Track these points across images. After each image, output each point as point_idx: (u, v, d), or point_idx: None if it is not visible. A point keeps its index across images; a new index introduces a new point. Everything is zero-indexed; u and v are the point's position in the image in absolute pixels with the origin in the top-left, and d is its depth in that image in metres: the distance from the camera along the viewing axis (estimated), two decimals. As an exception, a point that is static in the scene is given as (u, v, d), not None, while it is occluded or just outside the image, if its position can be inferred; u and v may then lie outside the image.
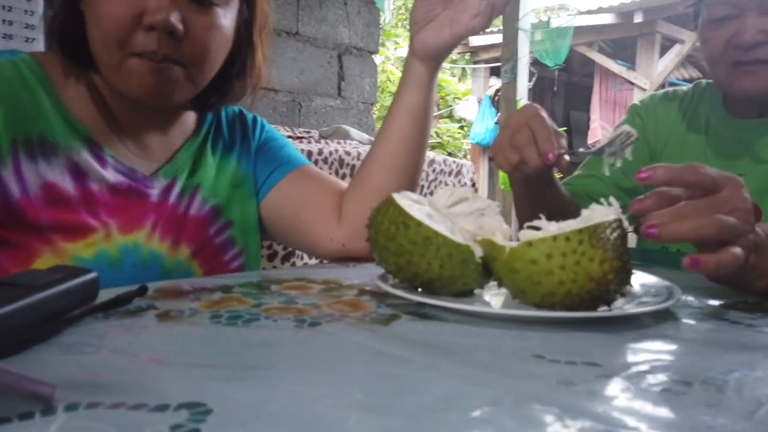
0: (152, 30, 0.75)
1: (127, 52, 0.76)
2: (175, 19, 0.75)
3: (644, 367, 0.45)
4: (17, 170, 0.77)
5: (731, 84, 1.06)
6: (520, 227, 0.72)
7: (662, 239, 0.59)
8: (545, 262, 0.55)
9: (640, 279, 0.69)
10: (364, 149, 1.81)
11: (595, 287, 0.55)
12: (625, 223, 0.57)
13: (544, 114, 0.93)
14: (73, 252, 0.79)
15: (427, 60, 0.92)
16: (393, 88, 12.41)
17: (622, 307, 0.60)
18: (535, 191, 1.09)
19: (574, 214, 0.60)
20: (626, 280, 0.58)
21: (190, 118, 0.97)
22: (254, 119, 1.06)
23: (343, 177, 1.73)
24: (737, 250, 0.59)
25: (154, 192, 0.88)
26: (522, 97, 4.93)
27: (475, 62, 9.34)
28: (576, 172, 1.30)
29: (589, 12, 7.36)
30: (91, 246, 0.81)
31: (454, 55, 10.06)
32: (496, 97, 7.02)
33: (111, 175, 0.84)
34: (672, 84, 7.31)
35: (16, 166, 0.77)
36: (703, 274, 0.61)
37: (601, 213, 0.57)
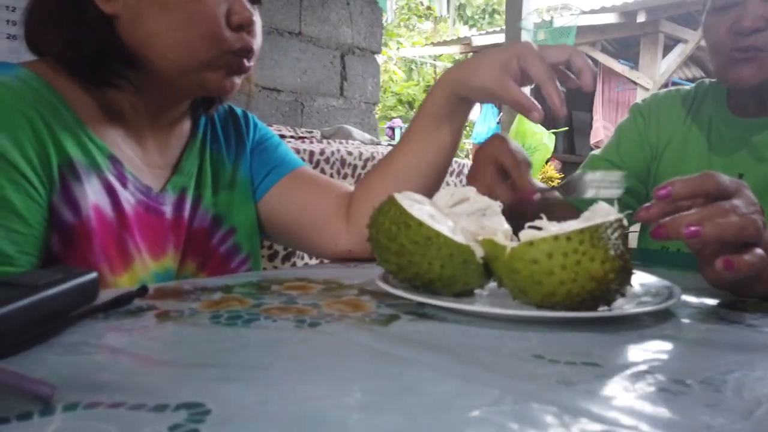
0: (240, 28, 0.79)
1: (221, 50, 0.78)
2: (253, 17, 0.81)
3: (643, 367, 0.45)
4: (68, 195, 0.74)
5: (728, 73, 1.05)
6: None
7: (707, 238, 0.58)
8: (546, 261, 0.55)
9: (640, 279, 0.69)
10: (366, 149, 1.81)
11: (596, 287, 0.55)
12: (625, 223, 0.57)
13: (512, 145, 0.84)
14: (119, 285, 0.76)
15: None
16: (395, 88, 12.43)
17: (622, 307, 0.60)
18: None
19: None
20: (627, 280, 0.58)
21: (185, 119, 0.94)
22: (245, 116, 1.03)
23: (345, 177, 1.73)
24: (759, 251, 0.59)
25: (168, 209, 0.86)
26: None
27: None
28: (577, 172, 1.30)
29: (592, 11, 7.35)
30: (133, 277, 0.78)
31: (456, 55, 10.05)
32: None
33: (131, 195, 0.81)
34: (675, 83, 7.30)
35: (65, 191, 0.73)
36: (734, 276, 0.60)
37: (602, 213, 0.57)
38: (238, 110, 1.03)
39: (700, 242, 0.59)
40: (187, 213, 0.88)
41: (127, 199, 0.80)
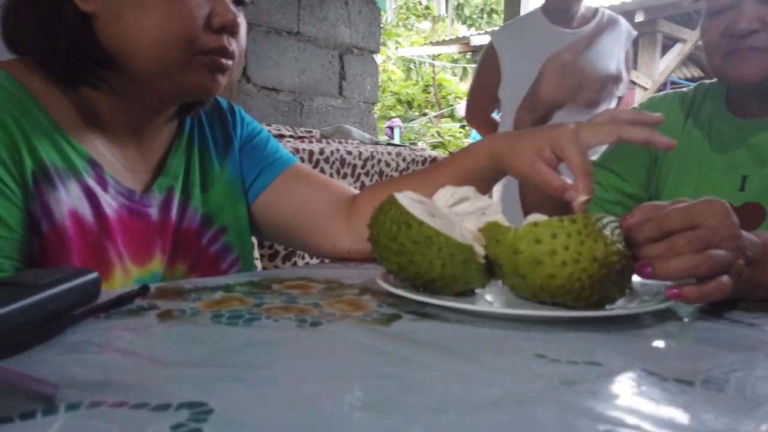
0: (222, 30, 0.77)
1: (195, 51, 0.76)
2: (237, 19, 0.79)
3: (645, 366, 0.45)
4: (42, 202, 0.71)
5: (726, 72, 1.06)
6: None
7: (657, 278, 0.60)
8: (549, 241, 0.55)
9: (640, 279, 0.69)
10: (366, 149, 1.81)
11: (598, 269, 0.55)
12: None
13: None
14: None
15: None
16: (394, 88, 12.43)
17: (623, 306, 0.61)
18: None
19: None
20: (628, 277, 0.59)
21: (170, 121, 0.90)
22: (231, 109, 0.99)
23: (344, 177, 1.73)
24: (725, 278, 0.60)
25: (153, 211, 0.83)
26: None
27: (477, 61, 9.33)
28: None
29: (590, 11, 7.35)
30: (111, 287, 0.75)
31: (455, 55, 10.06)
32: (497, 97, 7.00)
33: (113, 199, 0.78)
34: (674, 83, 7.31)
35: (40, 197, 0.71)
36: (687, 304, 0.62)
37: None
38: (224, 103, 0.99)
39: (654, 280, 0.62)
40: (174, 214, 0.85)
41: (109, 203, 0.78)
